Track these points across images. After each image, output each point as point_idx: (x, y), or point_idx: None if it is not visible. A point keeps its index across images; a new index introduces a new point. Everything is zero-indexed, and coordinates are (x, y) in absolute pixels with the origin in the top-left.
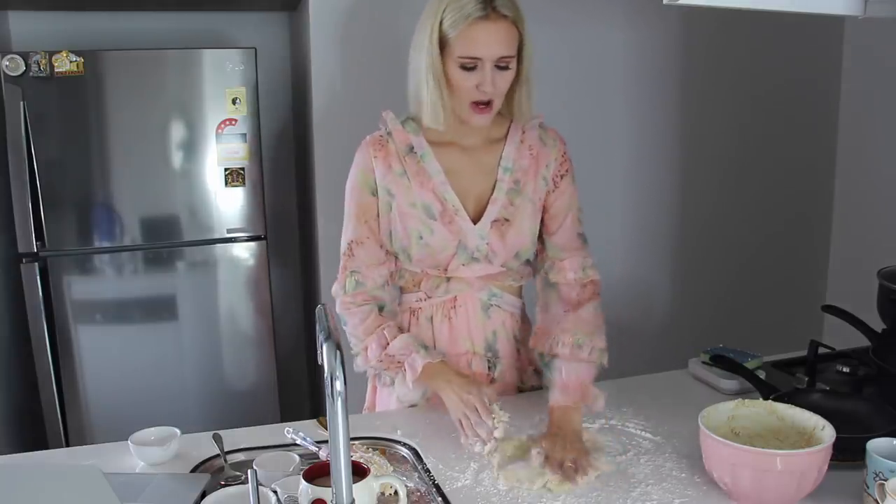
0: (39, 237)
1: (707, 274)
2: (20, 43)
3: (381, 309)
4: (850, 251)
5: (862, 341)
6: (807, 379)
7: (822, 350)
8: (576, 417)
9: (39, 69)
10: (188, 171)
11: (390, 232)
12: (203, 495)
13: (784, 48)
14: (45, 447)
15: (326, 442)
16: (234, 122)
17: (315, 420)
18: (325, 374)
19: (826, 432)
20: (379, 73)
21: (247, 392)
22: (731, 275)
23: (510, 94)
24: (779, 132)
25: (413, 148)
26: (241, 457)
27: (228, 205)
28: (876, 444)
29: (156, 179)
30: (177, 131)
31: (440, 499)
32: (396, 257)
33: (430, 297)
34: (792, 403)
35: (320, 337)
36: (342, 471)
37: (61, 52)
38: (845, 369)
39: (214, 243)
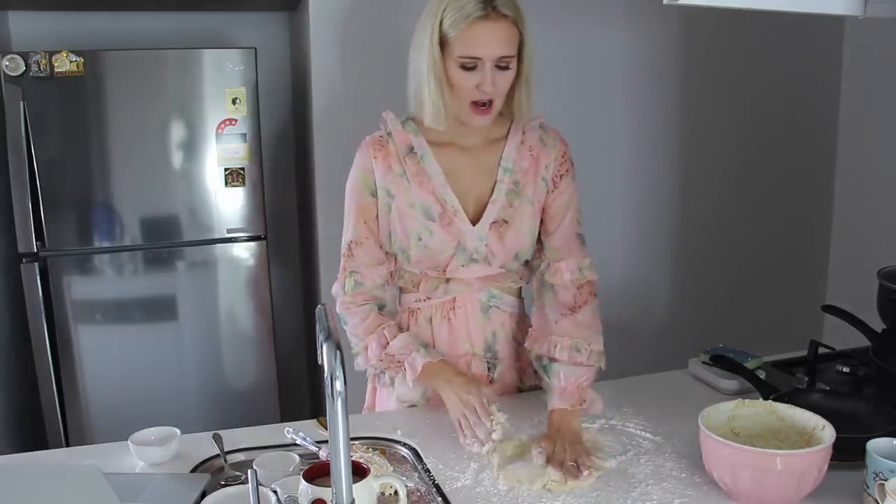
0: (39, 237)
1: (707, 274)
2: (20, 43)
3: (381, 308)
4: (850, 251)
5: (862, 341)
6: (807, 379)
7: (822, 350)
8: (575, 420)
9: (39, 69)
10: (188, 171)
11: (389, 233)
12: (203, 495)
13: (784, 48)
14: (45, 447)
15: (326, 442)
16: (234, 122)
17: (315, 420)
18: (325, 374)
19: (826, 432)
20: (379, 73)
21: (247, 392)
22: (730, 275)
23: (510, 95)
24: (779, 132)
25: (413, 148)
26: (241, 457)
27: (228, 205)
28: (876, 444)
29: (156, 179)
30: (177, 131)
31: (440, 499)
32: (396, 258)
33: (429, 298)
34: (792, 403)
35: (320, 337)
36: (342, 471)
37: (61, 52)
38: (845, 369)
39: (214, 243)
